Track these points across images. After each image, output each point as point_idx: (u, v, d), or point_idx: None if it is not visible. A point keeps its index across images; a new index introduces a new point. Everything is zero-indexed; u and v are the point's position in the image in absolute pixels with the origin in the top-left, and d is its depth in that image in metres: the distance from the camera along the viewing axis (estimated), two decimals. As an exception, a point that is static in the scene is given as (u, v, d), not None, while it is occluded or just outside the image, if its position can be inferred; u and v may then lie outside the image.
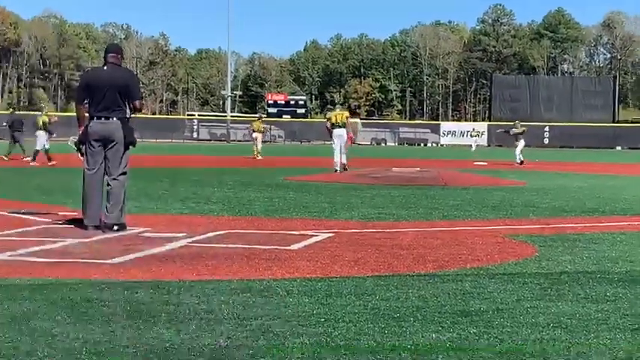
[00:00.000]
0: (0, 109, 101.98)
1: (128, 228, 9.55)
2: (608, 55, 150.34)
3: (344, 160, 24.64)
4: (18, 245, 8.17)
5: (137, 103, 9.84)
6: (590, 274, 7.07)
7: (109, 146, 9.67)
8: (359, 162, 29.62)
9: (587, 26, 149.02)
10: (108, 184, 9.68)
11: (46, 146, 27.97)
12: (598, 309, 5.61)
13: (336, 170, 23.97)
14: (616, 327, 5.07)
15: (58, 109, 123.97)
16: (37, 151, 27.68)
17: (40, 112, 31.04)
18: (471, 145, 67.64)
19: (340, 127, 24.78)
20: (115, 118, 9.67)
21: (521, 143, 34.19)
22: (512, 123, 37.35)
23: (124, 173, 9.78)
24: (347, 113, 26.06)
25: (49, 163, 26.44)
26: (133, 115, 10.00)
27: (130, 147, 9.88)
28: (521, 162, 33.15)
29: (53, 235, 8.99)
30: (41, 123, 28.50)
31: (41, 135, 28.13)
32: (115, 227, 9.42)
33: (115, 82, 9.69)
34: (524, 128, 35.11)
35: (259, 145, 38.65)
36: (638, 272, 7.24)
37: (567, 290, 6.29)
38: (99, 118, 9.67)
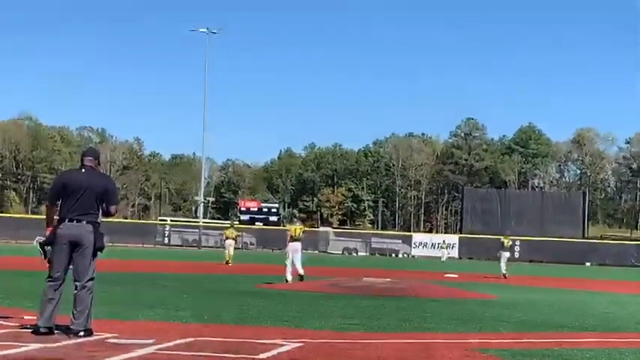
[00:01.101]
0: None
1: (95, 333, 9.42)
2: (578, 171, 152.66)
3: (301, 271, 24.41)
4: (-19, 349, 8.02)
5: (113, 208, 9.77)
6: (559, 390, 7.04)
7: (78, 250, 9.50)
8: (330, 271, 29.64)
9: (558, 142, 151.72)
10: (75, 289, 9.50)
11: None
12: None
13: (286, 280, 23.80)
14: None
15: (29, 211, 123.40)
16: None
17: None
18: (440, 257, 67.79)
19: (297, 240, 24.82)
20: (86, 222, 9.53)
21: (506, 256, 35.60)
22: (500, 237, 38.99)
23: (92, 279, 9.61)
24: (304, 227, 26.41)
25: None
26: (102, 220, 9.94)
27: (99, 252, 9.73)
28: (504, 275, 34.38)
29: (17, 340, 8.85)
30: None
31: None
32: (81, 333, 9.27)
33: (94, 186, 9.60)
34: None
35: (231, 252, 38.98)
36: (607, 389, 7.22)
37: (536, 406, 6.25)
38: (71, 220, 9.51)
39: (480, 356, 9.16)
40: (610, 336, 12.32)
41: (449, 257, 71.01)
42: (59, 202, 9.71)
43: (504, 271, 34.81)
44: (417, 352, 9.29)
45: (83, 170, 9.81)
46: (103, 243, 9.79)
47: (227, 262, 37.50)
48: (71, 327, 9.36)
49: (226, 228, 44.00)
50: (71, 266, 9.60)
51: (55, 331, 9.36)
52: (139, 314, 12.54)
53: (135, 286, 19.32)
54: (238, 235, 46.28)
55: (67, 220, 9.54)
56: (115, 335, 9.52)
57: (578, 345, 10.84)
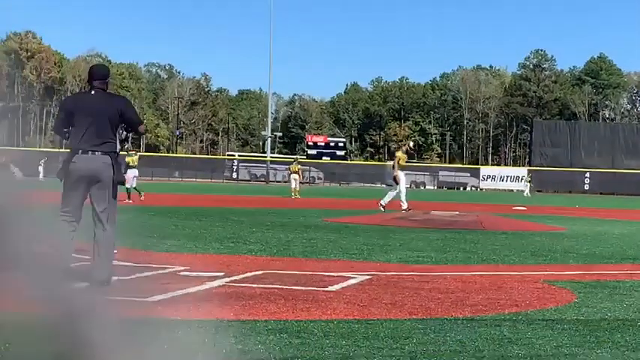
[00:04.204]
0: (45, 146, 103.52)
1: (167, 266, 9.54)
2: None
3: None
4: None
5: (141, 127, 8.71)
6: (630, 321, 6.98)
7: (95, 186, 8.21)
8: (398, 205, 29.57)
9: (629, 72, 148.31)
10: (95, 234, 8.28)
11: (133, 185, 29.13)
12: (638, 357, 5.54)
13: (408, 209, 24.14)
14: (656, 376, 5.00)
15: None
16: (129, 189, 28.65)
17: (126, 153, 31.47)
18: (524, 190, 67.09)
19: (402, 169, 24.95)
20: (102, 153, 8.19)
21: None
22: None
23: (113, 221, 8.34)
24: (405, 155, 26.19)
25: (128, 201, 27.39)
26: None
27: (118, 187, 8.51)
28: None
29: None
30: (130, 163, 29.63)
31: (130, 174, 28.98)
32: (105, 284, 8.00)
33: (107, 110, 8.27)
34: None
35: (296, 186, 39.97)
36: (680, 321, 7.14)
37: (607, 338, 6.21)
38: (85, 151, 8.17)
39: (549, 288, 9.11)
40: (683, 268, 12.13)
41: (519, 190, 70.40)
42: (67, 131, 8.37)
43: None
44: (486, 284, 9.27)
45: (93, 93, 8.40)
46: (123, 176, 8.85)
47: (293, 197, 38.43)
48: (93, 273, 8.11)
49: (291, 163, 45.11)
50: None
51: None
52: (209, 248, 12.71)
53: (204, 221, 19.54)
54: (302, 169, 46.98)
55: (80, 151, 8.20)
56: (187, 268, 9.67)
57: (649, 277, 10.71)
